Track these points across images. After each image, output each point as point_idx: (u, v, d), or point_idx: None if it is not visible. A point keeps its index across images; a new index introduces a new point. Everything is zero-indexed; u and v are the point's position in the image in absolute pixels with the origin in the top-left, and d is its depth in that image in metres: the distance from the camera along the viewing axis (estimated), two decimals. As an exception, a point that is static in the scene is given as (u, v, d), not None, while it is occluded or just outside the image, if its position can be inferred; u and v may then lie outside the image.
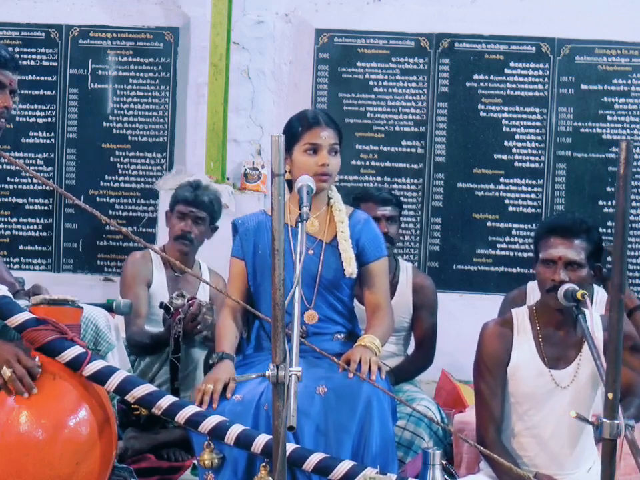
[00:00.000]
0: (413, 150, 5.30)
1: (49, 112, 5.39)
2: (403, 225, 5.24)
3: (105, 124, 5.38)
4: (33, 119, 5.38)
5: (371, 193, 4.13)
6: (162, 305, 3.89)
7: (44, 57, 5.39)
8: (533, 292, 3.97)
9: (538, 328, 2.98)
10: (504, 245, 5.25)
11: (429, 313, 4.10)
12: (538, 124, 5.23)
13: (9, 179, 5.40)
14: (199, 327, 3.78)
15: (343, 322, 3.16)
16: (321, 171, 3.02)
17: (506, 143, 5.25)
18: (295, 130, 3.10)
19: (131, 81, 5.38)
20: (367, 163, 5.30)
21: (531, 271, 5.15)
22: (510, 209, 5.25)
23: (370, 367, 2.86)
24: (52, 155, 5.40)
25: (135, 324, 4.04)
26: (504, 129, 5.25)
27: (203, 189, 4.33)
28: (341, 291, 3.14)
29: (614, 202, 2.17)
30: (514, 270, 5.20)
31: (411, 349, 4.21)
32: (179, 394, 3.66)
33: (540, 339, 2.97)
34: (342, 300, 3.15)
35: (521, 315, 3.03)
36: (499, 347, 2.98)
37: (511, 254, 5.23)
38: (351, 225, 3.14)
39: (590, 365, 2.88)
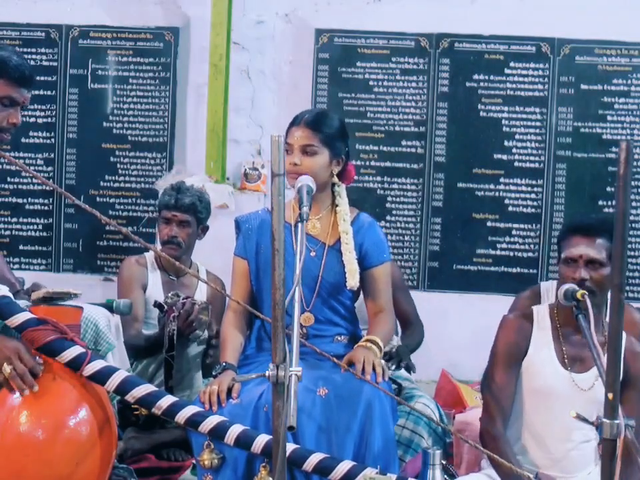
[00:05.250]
0: (413, 150, 5.30)
1: (49, 112, 5.39)
2: (403, 225, 5.27)
3: (105, 124, 5.38)
4: (33, 119, 5.38)
5: None
6: (156, 304, 3.90)
7: (44, 57, 5.39)
8: (547, 293, 3.98)
9: (558, 327, 2.97)
10: (504, 245, 5.25)
11: (401, 290, 4.09)
12: (538, 124, 5.23)
13: (9, 178, 5.40)
14: (193, 324, 3.78)
15: (343, 324, 3.16)
16: (289, 170, 2.98)
17: (506, 143, 5.25)
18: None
19: (130, 80, 5.37)
20: (367, 163, 5.30)
21: (530, 270, 5.18)
22: (510, 208, 5.25)
23: (375, 368, 2.86)
24: (52, 155, 5.39)
25: (133, 327, 4.04)
26: (504, 128, 5.24)
27: (185, 191, 4.29)
28: (342, 294, 3.13)
29: (614, 202, 2.17)
30: (514, 270, 5.20)
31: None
32: (174, 393, 3.66)
33: (560, 338, 2.96)
34: (343, 303, 3.15)
35: (541, 312, 3.03)
36: (516, 338, 2.97)
37: (511, 254, 5.23)
38: (355, 229, 3.13)
39: None
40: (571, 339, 2.96)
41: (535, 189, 5.23)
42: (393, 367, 3.61)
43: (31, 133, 5.40)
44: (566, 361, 2.94)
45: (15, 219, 5.43)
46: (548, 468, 2.91)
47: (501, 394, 2.93)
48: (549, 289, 4.02)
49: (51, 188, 5.17)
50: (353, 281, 3.05)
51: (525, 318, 3.03)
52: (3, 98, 2.98)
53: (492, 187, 5.25)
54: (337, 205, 3.14)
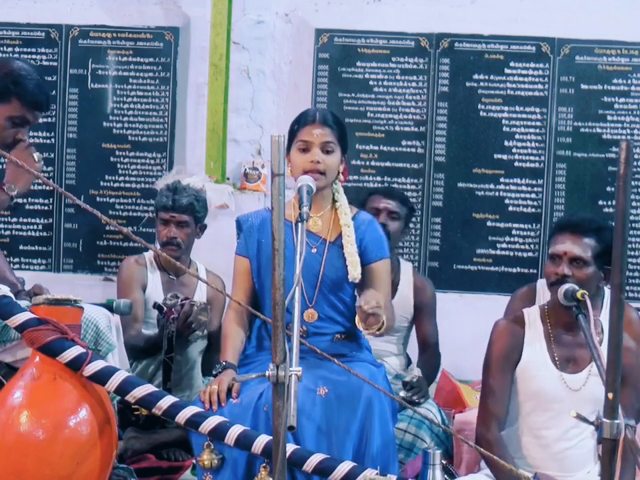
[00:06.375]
0: (413, 150, 5.29)
1: (49, 112, 5.38)
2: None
3: (105, 124, 5.38)
4: (33, 119, 5.38)
5: (381, 188, 4.22)
6: (155, 305, 3.91)
7: (44, 57, 5.39)
8: (544, 290, 3.98)
9: (549, 328, 2.98)
10: (504, 245, 5.25)
11: (430, 314, 4.10)
12: (538, 124, 5.23)
13: (9, 179, 5.40)
14: (192, 326, 3.79)
15: (343, 321, 3.16)
16: (310, 168, 3.01)
17: (506, 143, 5.24)
18: (292, 128, 3.12)
19: (130, 80, 5.37)
20: (367, 163, 5.30)
21: (531, 270, 5.19)
22: (510, 208, 5.25)
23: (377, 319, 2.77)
24: (52, 155, 5.39)
25: (133, 328, 4.04)
26: (504, 128, 5.24)
27: (181, 191, 4.28)
28: (343, 291, 3.14)
29: (614, 202, 2.17)
30: (514, 270, 5.20)
31: (410, 349, 4.20)
32: (172, 395, 3.66)
33: (551, 339, 2.96)
34: (343, 300, 3.15)
35: (532, 314, 3.03)
36: (509, 344, 2.98)
37: (511, 254, 5.23)
38: (355, 225, 3.14)
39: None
40: (562, 340, 2.96)
41: (535, 189, 5.23)
42: (415, 398, 3.62)
43: (31, 133, 5.34)
44: (557, 362, 2.95)
45: (14, 219, 5.43)
46: (548, 467, 2.92)
47: (495, 399, 2.94)
48: (544, 287, 4.02)
49: (51, 188, 5.17)
50: (355, 272, 3.05)
51: (517, 322, 3.03)
52: (16, 117, 3.02)
53: (492, 186, 5.25)
54: (336, 202, 3.16)
